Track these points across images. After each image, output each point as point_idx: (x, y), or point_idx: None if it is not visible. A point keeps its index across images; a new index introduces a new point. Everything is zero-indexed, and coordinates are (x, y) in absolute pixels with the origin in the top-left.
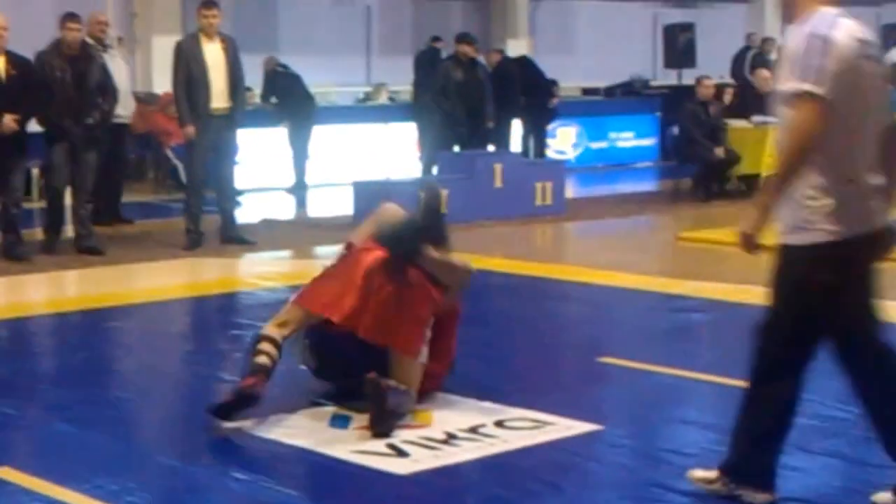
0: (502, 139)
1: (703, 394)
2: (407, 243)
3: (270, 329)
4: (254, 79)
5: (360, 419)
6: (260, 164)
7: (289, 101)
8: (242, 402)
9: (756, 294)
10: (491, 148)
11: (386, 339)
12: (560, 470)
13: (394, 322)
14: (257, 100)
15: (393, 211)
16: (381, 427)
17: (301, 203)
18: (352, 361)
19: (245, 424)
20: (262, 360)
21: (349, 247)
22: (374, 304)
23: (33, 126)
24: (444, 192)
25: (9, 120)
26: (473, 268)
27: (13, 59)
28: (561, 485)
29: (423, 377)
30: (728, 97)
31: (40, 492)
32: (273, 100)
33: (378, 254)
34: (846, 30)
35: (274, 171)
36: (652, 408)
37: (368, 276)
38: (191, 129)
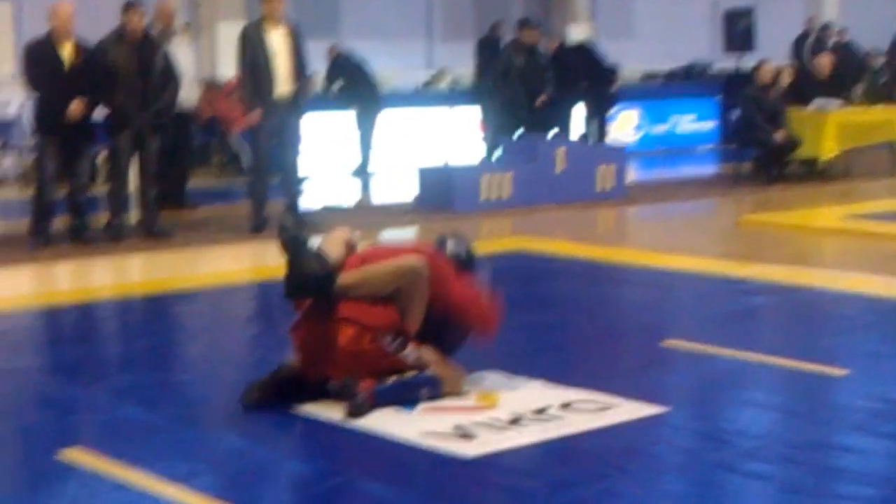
0: (565, 124)
1: (766, 376)
2: (316, 286)
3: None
4: (317, 64)
5: (426, 401)
6: (323, 149)
7: (354, 87)
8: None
9: (816, 276)
10: (553, 133)
11: (364, 370)
12: (626, 452)
13: (358, 360)
14: (321, 85)
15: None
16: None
17: (364, 188)
18: None
19: (312, 407)
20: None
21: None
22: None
23: (99, 112)
24: (508, 176)
25: (75, 107)
26: (416, 262)
27: (80, 47)
28: (627, 467)
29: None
30: (785, 81)
31: (110, 474)
32: (339, 83)
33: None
34: None
35: (337, 157)
36: (716, 390)
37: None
38: (256, 115)
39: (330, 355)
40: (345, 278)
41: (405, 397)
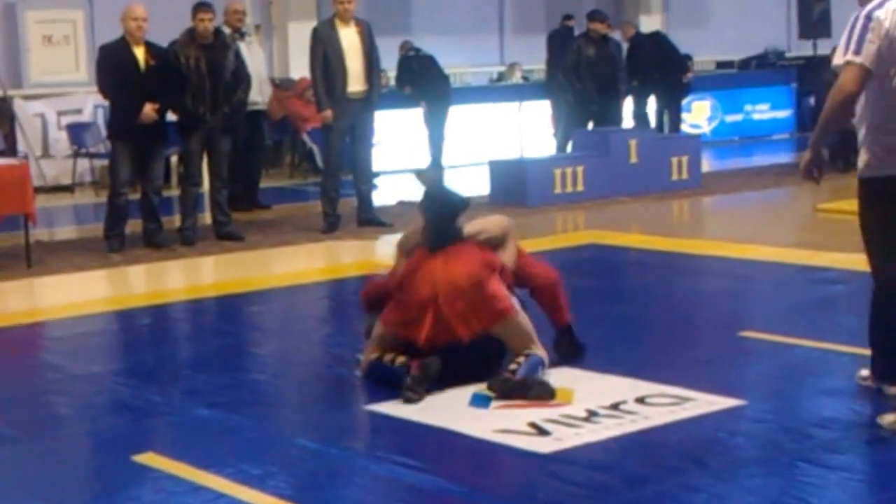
0: (639, 115)
1: (845, 365)
2: (446, 236)
3: (369, 356)
4: (389, 62)
5: (500, 399)
6: (396, 145)
7: (424, 83)
8: (426, 372)
9: None
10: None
11: (483, 326)
12: (704, 446)
13: (477, 310)
14: (392, 83)
15: (405, 232)
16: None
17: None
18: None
19: (385, 406)
20: (402, 359)
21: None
22: (450, 305)
23: (171, 115)
24: (580, 169)
25: (149, 109)
26: (508, 221)
27: (153, 49)
28: (705, 461)
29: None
30: None
31: (184, 476)
32: (407, 90)
33: (424, 268)
34: (893, 9)
35: (410, 153)
36: (795, 381)
37: (431, 283)
38: (329, 113)
39: (465, 303)
40: (468, 227)
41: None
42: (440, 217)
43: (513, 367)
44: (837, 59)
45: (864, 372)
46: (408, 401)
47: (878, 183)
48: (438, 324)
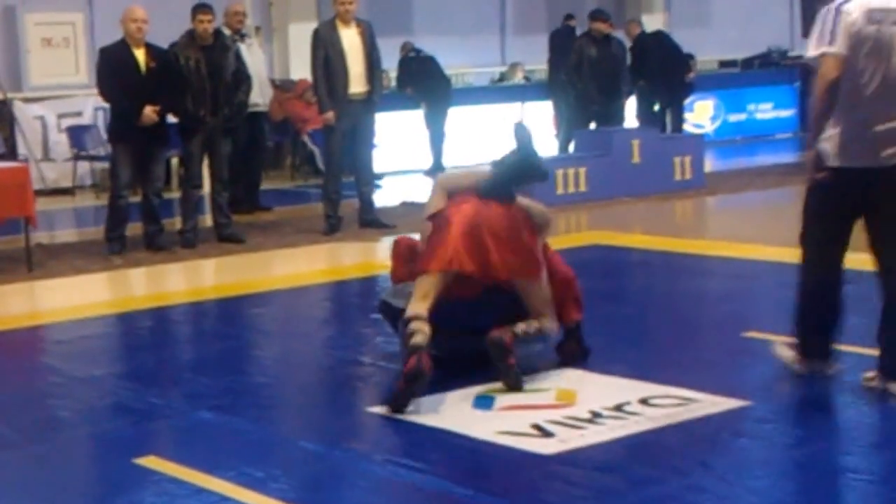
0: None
1: (850, 366)
2: (504, 192)
3: (413, 307)
4: (390, 62)
5: (504, 399)
6: (397, 147)
7: (424, 84)
8: (412, 384)
9: None
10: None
11: (515, 275)
12: (708, 447)
13: (516, 256)
14: (393, 83)
15: (455, 174)
16: (512, 382)
17: None
18: (461, 324)
19: (386, 408)
20: (418, 339)
21: (433, 217)
22: (493, 244)
23: (171, 117)
24: (582, 170)
25: (150, 111)
26: (549, 214)
27: (153, 51)
28: (710, 462)
29: None
30: None
31: (186, 480)
32: (409, 91)
33: (470, 203)
34: (859, 2)
35: (411, 154)
36: (800, 382)
37: (476, 219)
38: (331, 115)
39: (507, 247)
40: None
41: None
42: (513, 173)
43: (521, 328)
44: (811, 52)
45: (785, 351)
46: (391, 411)
47: (829, 172)
48: (479, 256)
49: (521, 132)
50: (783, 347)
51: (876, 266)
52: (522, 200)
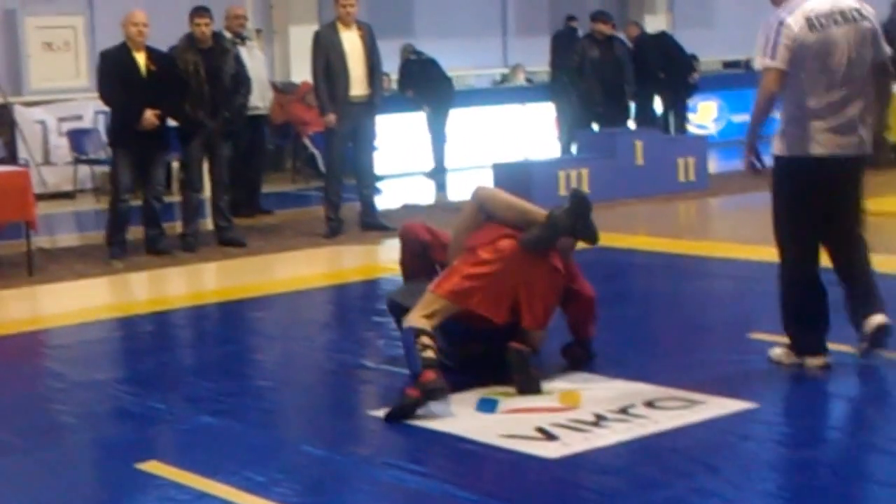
0: (644, 116)
1: (858, 368)
2: (549, 243)
3: (420, 322)
4: (391, 65)
5: (507, 403)
6: (399, 149)
7: (426, 86)
8: (430, 397)
9: None
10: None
11: (540, 327)
12: (714, 450)
13: (544, 311)
14: (394, 85)
15: (501, 198)
16: (531, 391)
17: (441, 187)
18: (466, 337)
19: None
20: (430, 354)
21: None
22: (525, 292)
23: (172, 120)
24: (585, 171)
25: (150, 115)
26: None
27: (154, 54)
28: (716, 465)
29: None
30: None
31: (189, 485)
32: (409, 94)
33: (511, 244)
34: (801, 13)
35: (413, 156)
36: (806, 383)
37: (512, 265)
38: (332, 118)
39: (535, 301)
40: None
41: None
42: (562, 233)
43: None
44: (757, 63)
45: (778, 350)
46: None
47: (792, 162)
48: (506, 301)
49: (580, 198)
50: (776, 349)
51: (833, 254)
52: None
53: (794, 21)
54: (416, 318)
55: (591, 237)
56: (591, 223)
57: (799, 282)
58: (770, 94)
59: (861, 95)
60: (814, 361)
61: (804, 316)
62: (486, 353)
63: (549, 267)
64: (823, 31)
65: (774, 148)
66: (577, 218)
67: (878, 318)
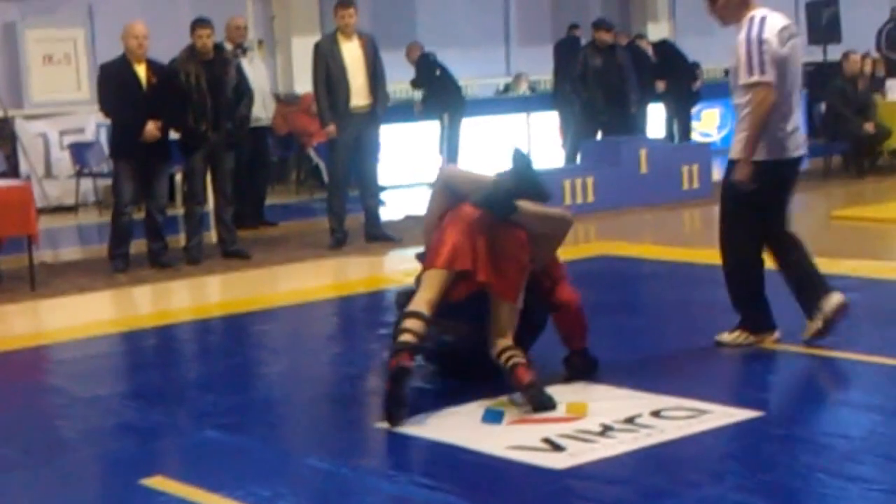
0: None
1: (864, 375)
2: (502, 205)
3: (416, 303)
4: (394, 73)
5: (514, 413)
6: (403, 159)
7: (440, 91)
8: (397, 384)
9: None
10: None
11: (497, 282)
12: (721, 459)
13: (500, 265)
14: (405, 95)
15: (460, 173)
16: (546, 408)
17: None
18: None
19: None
20: (404, 337)
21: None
22: (483, 248)
23: (174, 132)
24: (590, 180)
25: (152, 127)
26: (571, 216)
27: (154, 67)
28: (723, 474)
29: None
30: (868, 69)
31: (194, 500)
32: (423, 89)
33: (471, 208)
34: (771, 29)
35: (417, 166)
36: (813, 391)
37: (473, 225)
38: (332, 129)
39: (495, 258)
40: (526, 206)
41: None
42: (510, 190)
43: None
44: (748, 79)
45: (730, 335)
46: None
47: (775, 164)
48: (472, 253)
49: (520, 156)
50: (724, 335)
51: (779, 248)
52: (529, 214)
53: (771, 37)
54: (413, 302)
55: (538, 194)
56: (534, 180)
57: (755, 268)
58: (769, 107)
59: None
60: (770, 337)
61: (761, 297)
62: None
63: (513, 235)
64: (789, 44)
65: (733, 152)
66: (519, 177)
67: (837, 297)
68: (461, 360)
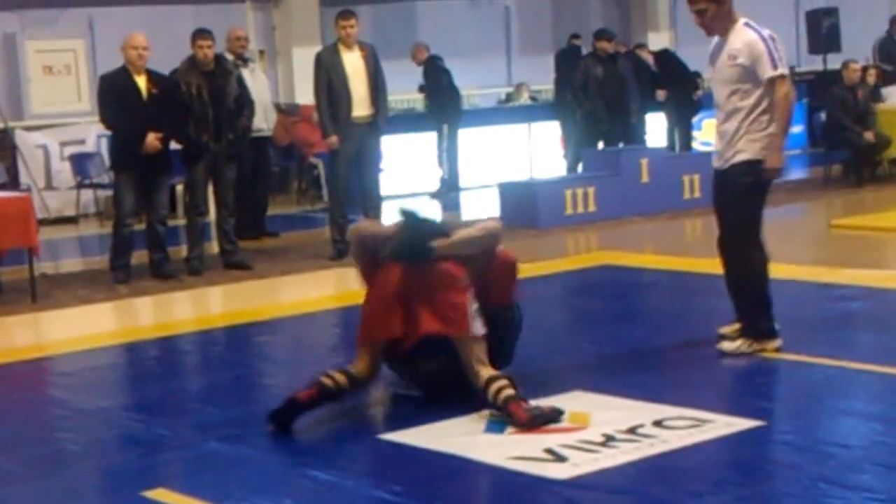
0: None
1: (866, 384)
2: (418, 251)
3: (351, 366)
4: (395, 83)
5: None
6: (403, 169)
7: (443, 99)
8: (288, 411)
9: None
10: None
11: (443, 325)
12: (723, 469)
13: (439, 308)
14: (406, 105)
15: (369, 229)
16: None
17: (447, 207)
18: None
19: (399, 435)
20: (325, 380)
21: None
22: (415, 302)
23: (175, 143)
24: (591, 190)
25: (152, 139)
26: (496, 225)
27: (155, 77)
28: (724, 484)
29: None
30: (871, 80)
31: None
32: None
33: (397, 269)
34: (767, 30)
35: (418, 176)
36: (814, 401)
37: (396, 285)
38: (334, 139)
39: (432, 306)
40: (443, 242)
41: None
42: (415, 237)
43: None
44: (773, 72)
45: (733, 344)
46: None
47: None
48: (403, 312)
49: (406, 213)
50: (727, 343)
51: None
52: (450, 241)
53: (771, 33)
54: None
55: (442, 232)
56: (430, 228)
57: (766, 273)
58: (793, 96)
59: None
60: (773, 344)
61: (769, 305)
62: (448, 369)
63: (439, 270)
64: None
65: (749, 153)
66: (407, 232)
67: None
68: (454, 381)
